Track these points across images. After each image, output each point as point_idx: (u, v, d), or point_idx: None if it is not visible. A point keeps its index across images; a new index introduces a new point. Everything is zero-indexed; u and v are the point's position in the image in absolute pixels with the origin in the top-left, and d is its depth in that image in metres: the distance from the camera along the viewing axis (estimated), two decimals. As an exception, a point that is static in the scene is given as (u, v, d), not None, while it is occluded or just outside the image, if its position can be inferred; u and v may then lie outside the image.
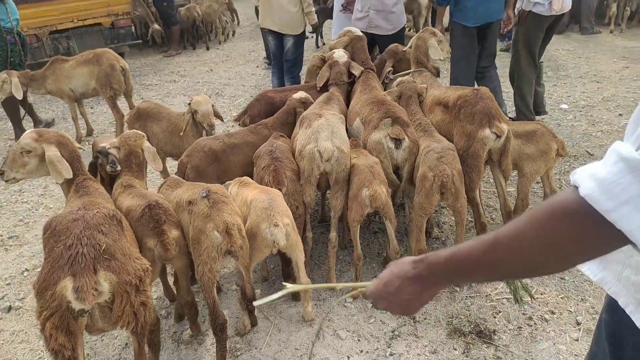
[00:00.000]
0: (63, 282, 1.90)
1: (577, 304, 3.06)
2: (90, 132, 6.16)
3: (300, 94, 3.71)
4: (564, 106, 6.11)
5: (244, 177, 3.05)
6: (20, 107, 5.98)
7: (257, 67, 8.88)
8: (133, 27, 9.31)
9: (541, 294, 3.16)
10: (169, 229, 2.51)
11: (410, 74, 3.86)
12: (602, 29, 9.29)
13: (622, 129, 5.37)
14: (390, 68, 4.04)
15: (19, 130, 5.84)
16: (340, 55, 3.86)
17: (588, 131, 5.38)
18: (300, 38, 5.66)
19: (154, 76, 8.64)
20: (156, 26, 9.88)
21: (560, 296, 3.13)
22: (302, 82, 5.98)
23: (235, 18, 12.57)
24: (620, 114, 5.75)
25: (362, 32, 4.23)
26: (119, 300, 2.01)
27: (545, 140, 3.40)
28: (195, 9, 10.21)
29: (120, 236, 2.08)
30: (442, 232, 3.76)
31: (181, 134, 3.76)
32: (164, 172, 3.95)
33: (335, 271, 3.20)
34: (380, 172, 2.92)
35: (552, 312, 3.01)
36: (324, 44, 9.83)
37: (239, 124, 3.97)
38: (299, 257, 2.76)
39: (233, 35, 11.62)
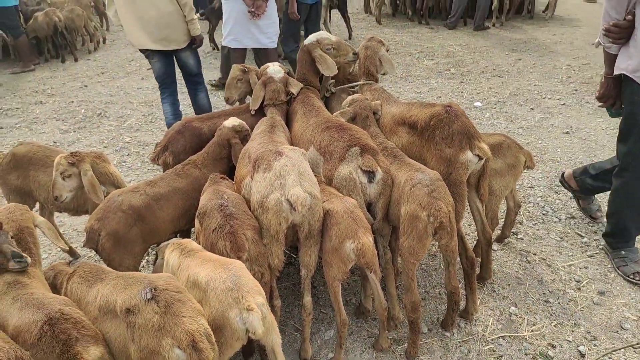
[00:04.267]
0: None
1: (573, 331, 2.82)
2: None
3: (232, 121, 3.02)
4: (478, 104, 6.11)
5: (185, 241, 2.32)
6: None
7: (142, 79, 7.77)
8: None
9: (534, 324, 2.88)
10: (84, 350, 1.75)
11: (357, 87, 3.36)
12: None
13: (539, 123, 5.46)
14: (332, 80, 3.49)
15: None
16: (276, 70, 3.23)
17: (510, 129, 5.38)
18: (193, 45, 4.61)
19: (13, 98, 7.12)
20: None
21: (553, 324, 2.87)
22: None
23: (105, 23, 11.08)
24: (532, 108, 5.87)
25: None
26: None
27: (512, 153, 3.13)
28: (55, 14, 8.65)
29: None
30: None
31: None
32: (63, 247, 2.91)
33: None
34: (362, 218, 2.38)
35: (553, 346, 2.73)
36: (214, 48, 9.00)
37: (158, 164, 3.14)
38: (275, 341, 2.13)
39: (104, 42, 10.18)
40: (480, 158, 2.65)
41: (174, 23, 4.36)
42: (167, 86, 4.76)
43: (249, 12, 4.96)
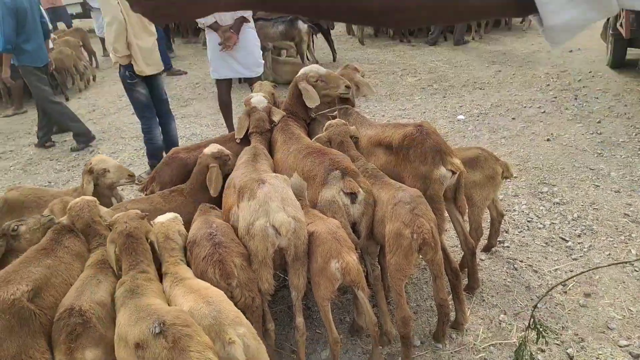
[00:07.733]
0: None
1: (561, 334, 2.89)
2: None
3: (211, 148, 3.13)
4: (461, 117, 6.26)
5: (180, 268, 2.41)
6: None
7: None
8: None
9: (523, 331, 2.94)
10: (80, 350, 1.98)
11: (335, 112, 3.49)
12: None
13: (520, 132, 5.59)
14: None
15: None
16: (259, 100, 3.37)
17: (492, 139, 5.51)
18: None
19: (7, 141, 7.25)
20: None
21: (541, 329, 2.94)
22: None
23: (94, 61, 11.29)
24: (513, 118, 6.02)
25: None
26: None
27: (489, 165, 3.25)
28: (45, 56, 8.87)
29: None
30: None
31: None
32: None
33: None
34: (346, 238, 2.48)
35: (542, 350, 2.80)
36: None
37: (145, 194, 3.25)
38: (263, 366, 2.19)
39: (94, 80, 10.38)
40: (453, 172, 2.77)
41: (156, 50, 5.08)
42: (154, 113, 5.25)
43: (219, 44, 5.12)
